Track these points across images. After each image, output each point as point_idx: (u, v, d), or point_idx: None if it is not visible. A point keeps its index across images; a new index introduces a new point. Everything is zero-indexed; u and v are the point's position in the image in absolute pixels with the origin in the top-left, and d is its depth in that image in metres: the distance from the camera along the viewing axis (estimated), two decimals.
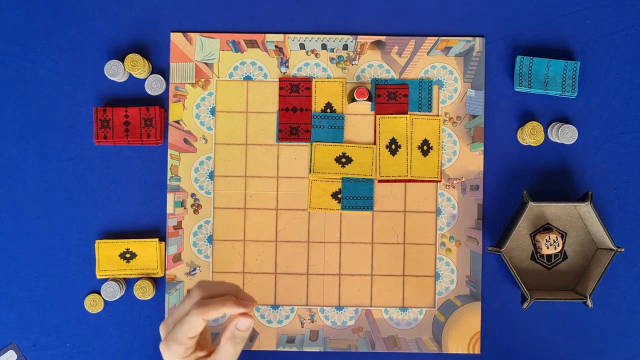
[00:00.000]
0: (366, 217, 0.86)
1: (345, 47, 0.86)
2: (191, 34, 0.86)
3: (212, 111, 0.86)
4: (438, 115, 0.86)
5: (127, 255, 0.85)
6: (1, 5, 0.86)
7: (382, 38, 0.86)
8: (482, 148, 0.86)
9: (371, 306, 0.86)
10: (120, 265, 0.84)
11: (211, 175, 0.86)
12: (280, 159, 0.86)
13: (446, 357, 0.86)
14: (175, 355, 0.65)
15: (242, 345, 0.66)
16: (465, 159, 0.86)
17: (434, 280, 0.86)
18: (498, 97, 0.86)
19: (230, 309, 0.64)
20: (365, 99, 0.82)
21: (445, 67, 0.86)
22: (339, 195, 0.86)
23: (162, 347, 0.65)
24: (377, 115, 0.86)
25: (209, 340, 0.73)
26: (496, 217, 0.86)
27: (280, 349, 0.85)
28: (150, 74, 0.86)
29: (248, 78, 0.86)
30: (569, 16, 0.86)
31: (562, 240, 0.85)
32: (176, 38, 0.86)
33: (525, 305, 0.82)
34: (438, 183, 0.86)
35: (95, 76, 0.86)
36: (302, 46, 0.86)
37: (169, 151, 0.86)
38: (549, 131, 0.85)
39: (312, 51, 0.86)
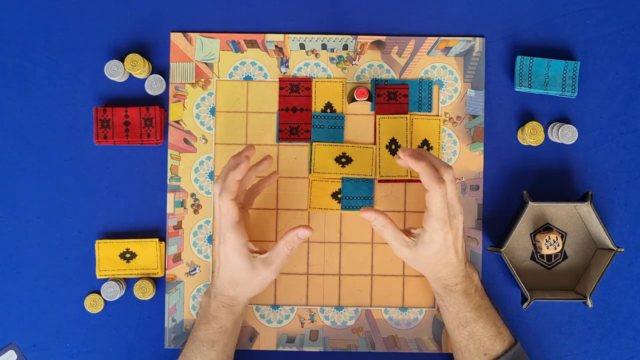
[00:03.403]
0: None
1: (345, 47, 0.86)
2: (191, 34, 0.86)
3: (212, 111, 0.86)
4: (438, 115, 0.86)
5: (127, 255, 0.85)
6: (1, 5, 0.86)
7: (382, 38, 0.86)
8: (482, 148, 0.86)
9: (371, 306, 0.86)
10: (120, 265, 0.84)
11: (211, 175, 0.86)
12: (280, 159, 0.86)
13: (446, 357, 0.86)
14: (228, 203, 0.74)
15: (294, 251, 0.77)
16: (465, 159, 0.86)
17: None
18: (498, 97, 0.86)
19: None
20: (365, 99, 0.82)
21: (445, 67, 0.86)
22: (339, 195, 0.86)
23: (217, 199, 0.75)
24: (377, 115, 0.86)
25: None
26: (496, 217, 0.86)
27: (280, 348, 0.85)
28: (150, 74, 0.86)
29: (248, 78, 0.86)
30: (569, 16, 0.86)
31: (562, 240, 0.85)
32: (176, 38, 0.86)
33: (525, 305, 0.82)
34: None
35: (95, 76, 0.86)
36: (302, 46, 0.86)
37: (169, 151, 0.86)
38: (549, 131, 0.85)
39: (312, 51, 0.86)
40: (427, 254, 0.75)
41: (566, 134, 0.83)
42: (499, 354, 0.76)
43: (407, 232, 0.78)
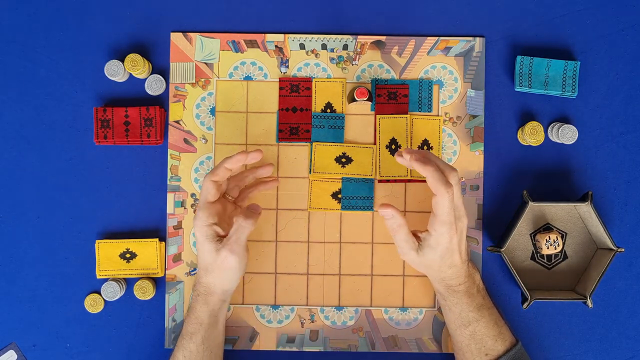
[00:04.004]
0: (366, 217, 0.86)
1: (345, 47, 0.86)
2: (191, 34, 0.86)
3: (212, 111, 0.86)
4: (438, 115, 0.86)
5: (127, 255, 0.85)
6: (1, 5, 0.86)
7: (382, 38, 0.86)
8: (482, 148, 0.86)
9: (371, 306, 0.86)
10: (120, 265, 0.84)
11: None
12: (280, 159, 0.86)
13: (446, 357, 0.86)
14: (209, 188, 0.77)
15: (252, 220, 0.76)
16: (465, 159, 0.86)
17: None
18: (498, 97, 0.86)
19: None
20: (365, 99, 0.82)
21: (445, 67, 0.86)
22: (339, 195, 0.86)
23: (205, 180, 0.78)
24: (377, 115, 0.86)
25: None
26: (496, 217, 0.86)
27: (280, 348, 0.85)
28: (150, 74, 0.86)
29: (248, 78, 0.86)
30: (569, 16, 0.86)
31: (562, 240, 0.85)
32: (176, 38, 0.86)
33: (525, 305, 0.82)
34: None
35: (95, 76, 0.86)
36: (302, 46, 0.86)
37: (169, 151, 0.86)
38: (549, 131, 0.85)
39: (312, 51, 0.86)
40: (433, 257, 0.76)
41: (566, 134, 0.83)
42: (500, 354, 0.76)
43: (414, 235, 0.78)
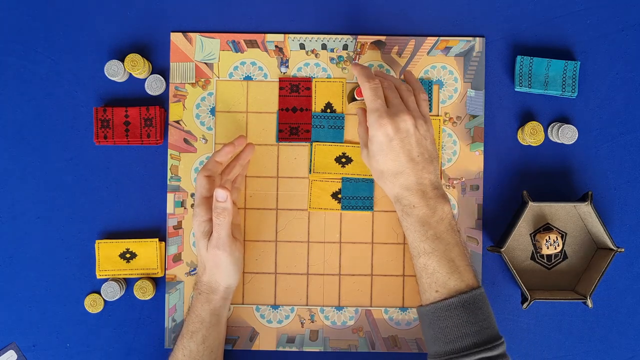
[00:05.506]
0: (366, 217, 0.86)
1: (345, 47, 0.86)
2: (191, 34, 0.86)
3: (212, 111, 0.86)
4: (438, 115, 0.86)
5: (127, 255, 0.85)
6: (1, 5, 0.86)
7: (382, 38, 0.86)
8: (482, 148, 0.86)
9: (371, 306, 0.86)
10: (120, 265, 0.84)
11: None
12: (280, 159, 0.86)
13: None
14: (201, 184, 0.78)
15: (224, 215, 0.75)
16: (465, 159, 0.86)
17: None
18: (498, 97, 0.86)
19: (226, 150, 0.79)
20: None
21: (445, 67, 0.86)
22: (339, 195, 0.86)
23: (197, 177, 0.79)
24: None
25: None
26: (496, 217, 0.86)
27: (280, 348, 0.85)
28: (150, 74, 0.86)
29: (248, 78, 0.86)
30: (569, 16, 0.86)
31: (562, 240, 0.85)
32: (176, 38, 0.86)
33: (525, 305, 0.82)
34: None
35: (95, 76, 0.86)
36: (302, 46, 0.86)
37: (169, 151, 0.86)
38: (549, 131, 0.85)
39: (312, 51, 0.86)
40: (373, 153, 0.75)
41: (566, 134, 0.83)
42: (452, 294, 0.70)
43: None
